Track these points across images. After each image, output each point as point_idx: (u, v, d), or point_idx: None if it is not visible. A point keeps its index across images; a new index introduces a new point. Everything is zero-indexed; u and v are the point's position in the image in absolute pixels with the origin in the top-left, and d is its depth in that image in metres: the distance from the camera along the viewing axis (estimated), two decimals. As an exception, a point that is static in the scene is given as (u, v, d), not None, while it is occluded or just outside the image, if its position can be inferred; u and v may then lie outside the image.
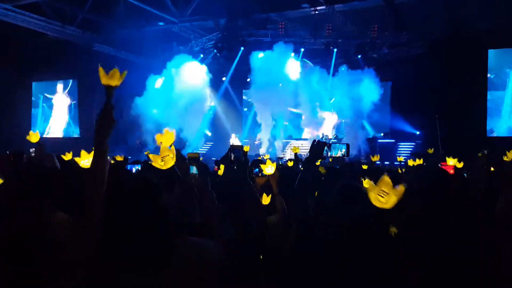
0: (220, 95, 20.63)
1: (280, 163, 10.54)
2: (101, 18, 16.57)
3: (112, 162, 6.00)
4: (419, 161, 6.38)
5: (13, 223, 2.17)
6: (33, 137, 4.57)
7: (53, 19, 16.24)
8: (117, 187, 2.10)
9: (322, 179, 5.14)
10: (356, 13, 15.88)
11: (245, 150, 6.08)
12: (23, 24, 15.94)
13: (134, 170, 5.64)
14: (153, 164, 2.37)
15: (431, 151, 6.11)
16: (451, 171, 4.13)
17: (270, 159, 8.43)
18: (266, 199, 3.25)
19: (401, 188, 1.91)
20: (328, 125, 19.87)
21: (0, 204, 2.38)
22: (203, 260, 1.98)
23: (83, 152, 2.92)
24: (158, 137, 2.53)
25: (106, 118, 1.98)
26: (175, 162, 2.42)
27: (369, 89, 17.15)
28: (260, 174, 3.44)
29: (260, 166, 3.53)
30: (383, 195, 1.94)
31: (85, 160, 2.90)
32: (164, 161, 2.35)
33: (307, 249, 2.41)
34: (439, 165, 4.59)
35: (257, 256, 2.81)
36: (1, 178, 3.30)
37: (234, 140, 18.99)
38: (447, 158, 4.39)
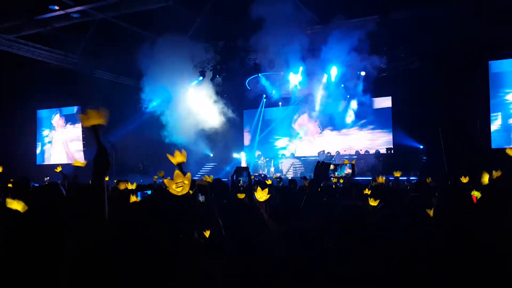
0: (220, 116, 20.72)
1: (281, 183, 10.55)
2: (101, 45, 16.79)
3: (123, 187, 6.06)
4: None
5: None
6: (78, 163, 4.90)
7: (56, 48, 16.46)
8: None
9: (324, 199, 5.16)
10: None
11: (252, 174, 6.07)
12: (26, 54, 16.16)
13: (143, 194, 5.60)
14: (169, 190, 2.39)
15: (428, 180, 6.19)
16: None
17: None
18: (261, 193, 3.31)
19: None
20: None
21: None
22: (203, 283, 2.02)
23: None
24: (169, 157, 2.54)
25: (102, 162, 2.16)
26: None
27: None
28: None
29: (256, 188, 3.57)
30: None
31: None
32: (181, 187, 2.37)
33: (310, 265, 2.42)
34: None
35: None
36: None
37: (244, 159, 19.21)
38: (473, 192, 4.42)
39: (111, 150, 17.49)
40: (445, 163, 12.97)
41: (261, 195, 3.37)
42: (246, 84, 19.74)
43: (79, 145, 22.11)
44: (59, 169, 5.68)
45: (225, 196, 4.26)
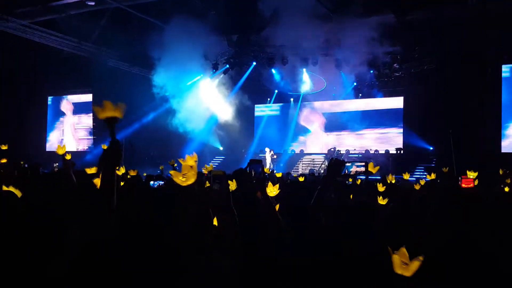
0: (232, 109, 20.65)
1: (289, 179, 10.50)
2: (115, 34, 16.81)
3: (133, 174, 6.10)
4: (431, 177, 6.37)
5: (30, 234, 2.20)
6: (60, 149, 4.90)
7: (69, 35, 16.51)
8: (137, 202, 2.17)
9: (332, 196, 5.13)
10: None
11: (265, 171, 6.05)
12: (40, 40, 16.21)
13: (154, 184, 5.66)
14: (174, 179, 2.37)
15: (445, 170, 6.17)
16: (471, 185, 4.14)
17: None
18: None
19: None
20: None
21: (19, 215, 2.42)
22: (212, 278, 2.01)
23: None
24: (182, 162, 2.58)
25: (114, 155, 2.13)
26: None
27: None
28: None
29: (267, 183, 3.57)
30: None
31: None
32: (186, 177, 2.35)
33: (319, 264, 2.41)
34: (458, 182, 4.57)
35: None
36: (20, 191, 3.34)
37: (269, 155, 19.05)
38: (467, 172, 4.40)
39: (130, 148, 17.57)
40: (454, 165, 12.88)
41: (272, 190, 3.35)
42: (259, 79, 19.71)
43: (85, 133, 22.32)
44: (60, 150, 5.58)
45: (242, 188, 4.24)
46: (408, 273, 1.94)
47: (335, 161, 3.22)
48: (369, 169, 4.07)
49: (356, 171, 8.08)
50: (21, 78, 19.73)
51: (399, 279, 1.92)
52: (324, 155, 19.38)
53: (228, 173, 4.74)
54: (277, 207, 3.52)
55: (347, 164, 9.84)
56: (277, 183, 3.44)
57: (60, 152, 5.05)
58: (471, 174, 4.61)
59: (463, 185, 4.16)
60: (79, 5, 14.17)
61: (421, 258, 1.95)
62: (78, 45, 17.08)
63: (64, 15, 14.87)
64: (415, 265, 1.94)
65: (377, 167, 4.25)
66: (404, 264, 1.96)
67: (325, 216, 3.35)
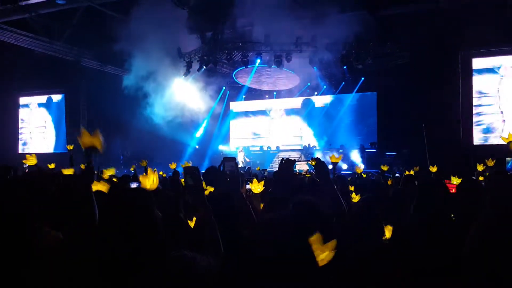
0: (207, 107, 20.58)
1: (265, 176, 10.57)
2: (87, 33, 16.55)
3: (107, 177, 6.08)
4: (410, 172, 6.51)
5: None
6: (31, 160, 4.80)
7: (41, 35, 16.18)
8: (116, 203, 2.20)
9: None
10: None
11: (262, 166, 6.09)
12: (10, 41, 15.86)
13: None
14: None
15: (416, 169, 6.39)
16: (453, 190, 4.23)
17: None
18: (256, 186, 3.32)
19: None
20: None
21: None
22: (196, 274, 2.04)
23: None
24: (142, 180, 2.58)
25: (88, 177, 2.46)
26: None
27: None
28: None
29: (249, 182, 3.60)
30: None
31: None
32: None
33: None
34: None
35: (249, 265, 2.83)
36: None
37: (241, 153, 19.07)
38: (452, 177, 4.52)
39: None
40: (428, 159, 13.13)
41: (256, 186, 3.37)
42: (233, 76, 19.69)
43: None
44: (30, 159, 5.49)
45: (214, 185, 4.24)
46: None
47: (286, 161, 3.26)
48: (333, 160, 4.15)
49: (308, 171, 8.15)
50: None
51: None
52: (300, 151, 19.54)
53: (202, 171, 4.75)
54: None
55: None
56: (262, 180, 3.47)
57: (31, 163, 5.07)
58: (455, 180, 4.73)
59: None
60: (49, 4, 13.91)
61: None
62: (50, 45, 16.74)
63: (34, 15, 14.57)
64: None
65: (340, 156, 4.38)
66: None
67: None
